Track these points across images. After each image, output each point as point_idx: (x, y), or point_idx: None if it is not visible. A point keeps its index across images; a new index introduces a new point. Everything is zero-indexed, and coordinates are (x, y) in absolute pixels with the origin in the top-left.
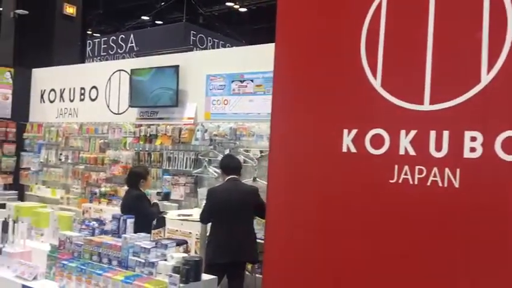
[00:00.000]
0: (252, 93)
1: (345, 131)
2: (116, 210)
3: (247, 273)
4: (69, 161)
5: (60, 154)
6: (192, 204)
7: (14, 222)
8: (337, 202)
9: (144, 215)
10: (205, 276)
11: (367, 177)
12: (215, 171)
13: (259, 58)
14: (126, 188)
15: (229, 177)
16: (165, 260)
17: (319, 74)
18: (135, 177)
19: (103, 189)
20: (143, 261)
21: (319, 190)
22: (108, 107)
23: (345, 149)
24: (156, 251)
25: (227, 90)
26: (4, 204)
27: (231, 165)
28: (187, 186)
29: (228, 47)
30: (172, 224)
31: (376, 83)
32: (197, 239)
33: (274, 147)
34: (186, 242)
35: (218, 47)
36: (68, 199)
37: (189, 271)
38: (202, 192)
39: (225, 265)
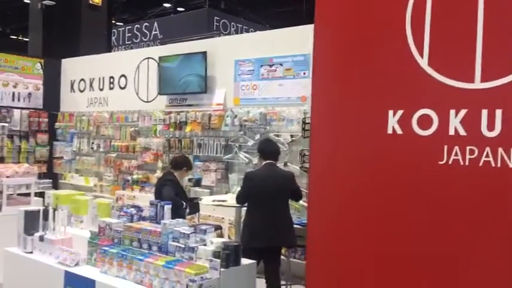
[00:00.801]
0: (282, 77)
1: (390, 112)
2: (149, 196)
3: (283, 257)
4: (101, 149)
5: (92, 143)
6: (224, 190)
7: (54, 210)
8: (383, 186)
9: (166, 199)
10: (244, 261)
11: (414, 159)
12: (246, 157)
13: (288, 41)
14: (158, 174)
15: (266, 161)
16: (205, 245)
17: (362, 54)
18: (183, 162)
19: (135, 176)
20: (183, 246)
21: (363, 174)
22: (137, 95)
23: (390, 131)
24: (195, 236)
25: (256, 75)
26: (41, 192)
27: (268, 150)
28: (218, 172)
29: (252, 31)
30: (205, 209)
31: (423, 61)
32: (230, 224)
33: (315, 132)
34: (220, 228)
35: (242, 32)
36: (101, 187)
37: (229, 256)
38: (233, 177)
39: (261, 249)
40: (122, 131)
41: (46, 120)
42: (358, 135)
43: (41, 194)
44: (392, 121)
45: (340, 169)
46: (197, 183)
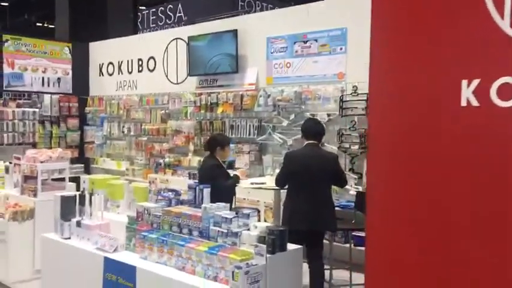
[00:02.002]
0: (317, 54)
1: (464, 82)
2: (182, 180)
3: (325, 241)
4: (132, 133)
5: (123, 127)
6: (257, 172)
7: (91, 195)
8: (458, 163)
9: (218, 186)
10: (291, 246)
11: (493, 134)
12: (280, 138)
13: (322, 16)
14: (190, 157)
15: (308, 142)
16: (248, 229)
17: (429, 18)
18: (213, 143)
19: (167, 159)
20: (225, 231)
21: (434, 151)
22: (166, 77)
23: (464, 103)
24: (237, 220)
25: (289, 52)
26: (74, 177)
27: (312, 130)
28: (251, 154)
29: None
30: (239, 192)
31: (504, 23)
32: (266, 207)
33: (374, 108)
34: (257, 211)
35: (267, 10)
36: (133, 170)
37: (275, 241)
38: (267, 159)
39: (303, 233)
40: (152, 114)
41: (76, 104)
42: (427, 110)
43: (74, 179)
44: (467, 92)
45: (406, 148)
46: (230, 165)
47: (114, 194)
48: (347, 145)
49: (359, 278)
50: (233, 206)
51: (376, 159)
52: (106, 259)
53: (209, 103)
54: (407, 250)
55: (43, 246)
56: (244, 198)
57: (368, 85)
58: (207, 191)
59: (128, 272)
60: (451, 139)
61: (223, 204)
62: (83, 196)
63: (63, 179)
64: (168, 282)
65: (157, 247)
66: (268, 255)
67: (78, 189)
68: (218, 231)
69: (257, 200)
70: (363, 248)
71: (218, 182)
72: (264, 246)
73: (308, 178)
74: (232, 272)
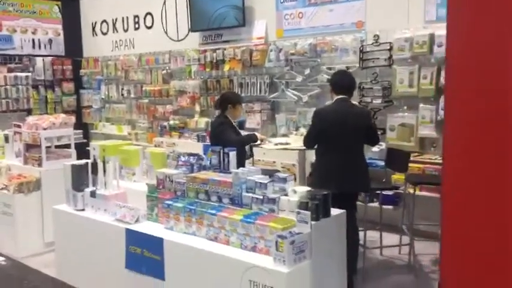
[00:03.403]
0: (332, 2)
1: None
2: (190, 143)
3: (358, 202)
4: (132, 95)
5: (122, 89)
6: (270, 132)
7: (104, 162)
8: None
9: (226, 143)
10: (334, 211)
11: None
12: (294, 95)
13: None
14: (196, 119)
15: (338, 97)
16: (285, 195)
17: None
18: (224, 101)
19: (172, 122)
20: (261, 197)
21: None
22: (166, 34)
23: None
24: (273, 185)
25: (301, 1)
26: (77, 144)
27: (342, 83)
28: (263, 113)
29: None
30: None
31: None
32: (283, 168)
33: (452, 61)
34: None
35: None
36: (135, 135)
37: (318, 206)
38: (281, 118)
39: (335, 195)
40: (153, 75)
41: (70, 67)
42: None
43: (76, 146)
44: None
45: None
46: (240, 125)
47: (128, 161)
48: (368, 99)
49: (388, 238)
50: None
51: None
52: (128, 231)
53: (215, 60)
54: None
55: (55, 218)
56: (259, 160)
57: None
58: (233, 154)
59: (154, 244)
60: None
61: (254, 168)
62: (95, 164)
63: (67, 146)
64: (200, 253)
65: (185, 217)
66: (312, 222)
67: (80, 156)
68: (252, 197)
69: (273, 161)
70: (389, 207)
71: (225, 138)
72: (308, 212)
73: (340, 136)
74: (276, 242)
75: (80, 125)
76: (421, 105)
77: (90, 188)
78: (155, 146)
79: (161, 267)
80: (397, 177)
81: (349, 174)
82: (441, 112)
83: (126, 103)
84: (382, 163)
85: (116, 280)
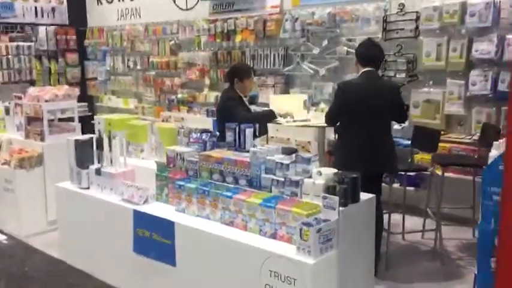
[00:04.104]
0: None
1: None
2: (199, 118)
3: (384, 184)
4: (138, 67)
5: (128, 60)
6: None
7: (109, 138)
8: None
9: (234, 121)
10: (363, 195)
11: None
12: (310, 68)
13: None
14: (205, 93)
15: (365, 69)
16: (309, 177)
17: None
18: (231, 73)
19: (180, 95)
20: (282, 179)
21: None
22: (174, 2)
23: None
24: (295, 166)
25: None
26: (82, 117)
27: (369, 54)
28: (277, 87)
29: None
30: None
31: None
32: (297, 145)
33: None
34: (296, 151)
35: None
36: (142, 108)
37: (347, 190)
38: (296, 92)
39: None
40: (160, 46)
41: (74, 37)
42: None
43: (81, 120)
44: None
45: None
46: (252, 100)
47: (136, 137)
48: (392, 73)
49: (410, 221)
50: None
51: None
52: (136, 212)
53: (226, 31)
54: None
55: (58, 197)
56: (273, 137)
57: None
58: (249, 132)
59: (165, 227)
60: None
61: (275, 147)
62: (100, 140)
63: (70, 119)
64: (215, 239)
65: (198, 198)
66: (340, 208)
67: (85, 131)
68: (272, 179)
69: (287, 138)
70: (410, 189)
71: (233, 115)
72: (336, 198)
73: (366, 112)
74: (300, 230)
75: (85, 97)
76: (449, 80)
77: (96, 165)
78: (163, 120)
79: (172, 252)
80: (421, 157)
81: (376, 154)
82: (471, 88)
83: (132, 75)
84: (405, 142)
85: (122, 263)
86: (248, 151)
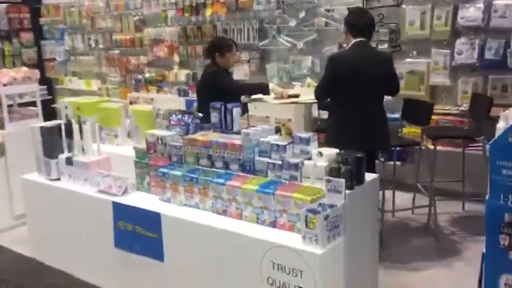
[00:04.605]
0: None
1: None
2: (170, 98)
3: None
4: (100, 45)
5: (88, 39)
6: None
7: (80, 123)
8: None
9: (226, 92)
10: (367, 176)
11: None
12: (287, 41)
13: None
14: (176, 71)
15: (356, 40)
16: (309, 159)
17: None
18: (211, 49)
19: (147, 75)
20: (279, 162)
21: None
22: None
23: None
24: (292, 148)
25: None
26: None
27: (359, 23)
28: (252, 63)
29: None
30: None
31: None
32: (277, 123)
33: None
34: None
35: None
36: (107, 90)
37: (352, 172)
38: (272, 68)
39: None
40: (124, 22)
41: (28, 15)
42: None
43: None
44: None
45: None
46: None
47: (108, 121)
48: (373, 44)
49: (400, 198)
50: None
51: None
52: (116, 205)
53: (194, 4)
54: None
55: (25, 190)
56: (252, 115)
57: None
58: (237, 111)
59: (150, 219)
60: None
61: (267, 127)
62: (69, 126)
63: (30, 104)
64: (207, 230)
65: (185, 186)
66: (346, 192)
67: (46, 115)
68: (268, 163)
69: (266, 116)
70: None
71: (218, 84)
72: (343, 180)
73: (359, 86)
74: (306, 217)
75: (43, 80)
76: (434, 49)
77: (66, 154)
78: (131, 102)
79: (159, 246)
80: (407, 130)
81: (371, 130)
82: (456, 57)
83: (94, 55)
84: (392, 115)
85: (103, 260)
86: (236, 132)
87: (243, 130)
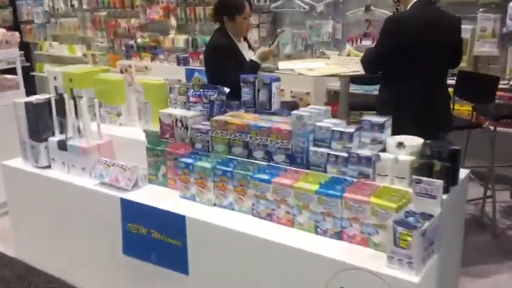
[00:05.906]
0: None
1: None
2: (167, 67)
3: None
4: (85, 6)
5: None
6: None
7: (74, 99)
8: None
9: (222, 81)
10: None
11: None
12: (303, 3)
13: None
14: (172, 35)
15: None
16: (383, 150)
17: None
18: (219, 9)
19: (139, 40)
20: (344, 155)
21: None
22: None
23: None
24: (359, 135)
25: None
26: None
27: None
28: (262, 28)
29: None
30: None
31: None
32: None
33: None
34: (295, 104)
35: None
36: (93, 57)
37: (449, 169)
38: (285, 34)
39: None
40: None
41: None
42: None
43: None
44: None
45: None
46: None
47: (109, 96)
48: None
49: None
50: None
51: None
52: (124, 202)
53: None
54: None
55: (6, 179)
56: None
57: None
58: (276, 86)
59: (171, 222)
60: None
61: (323, 108)
62: (61, 101)
63: (7, 72)
64: (245, 239)
65: (216, 182)
66: (444, 197)
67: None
68: (329, 154)
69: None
70: None
71: (220, 71)
72: (440, 182)
73: (424, 56)
74: (394, 232)
75: (21, 44)
76: (480, 13)
77: (58, 137)
78: (121, 71)
79: (182, 256)
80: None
81: (436, 109)
82: (508, 23)
83: (78, 17)
84: None
85: (107, 269)
86: (275, 113)
87: (294, 112)
